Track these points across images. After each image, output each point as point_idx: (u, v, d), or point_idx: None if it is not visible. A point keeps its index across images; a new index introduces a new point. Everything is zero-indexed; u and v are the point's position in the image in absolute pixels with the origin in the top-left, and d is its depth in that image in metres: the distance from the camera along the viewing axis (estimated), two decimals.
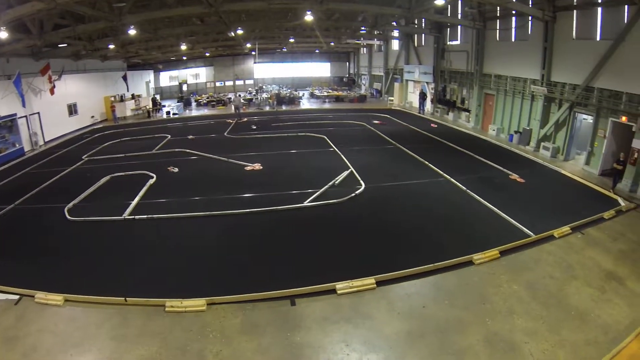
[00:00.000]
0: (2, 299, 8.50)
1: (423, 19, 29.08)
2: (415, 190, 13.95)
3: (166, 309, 7.83)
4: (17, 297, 8.53)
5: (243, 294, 8.11)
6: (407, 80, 36.32)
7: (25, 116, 23.15)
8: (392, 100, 37.63)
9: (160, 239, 10.86)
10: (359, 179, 14.75)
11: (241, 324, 7.42)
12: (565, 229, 11.00)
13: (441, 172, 15.49)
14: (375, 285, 8.39)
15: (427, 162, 16.76)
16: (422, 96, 32.00)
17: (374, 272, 8.64)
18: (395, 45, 39.10)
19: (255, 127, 26.08)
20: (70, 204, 13.24)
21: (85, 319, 7.80)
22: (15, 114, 21.93)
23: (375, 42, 41.29)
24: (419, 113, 31.73)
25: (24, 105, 22.60)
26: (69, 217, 12.36)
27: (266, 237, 10.85)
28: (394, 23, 30.32)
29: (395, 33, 35.92)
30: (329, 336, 7.03)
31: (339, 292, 8.21)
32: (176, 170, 16.57)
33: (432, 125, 26.04)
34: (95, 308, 8.06)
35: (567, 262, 9.51)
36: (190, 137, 23.76)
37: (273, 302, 7.98)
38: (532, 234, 10.59)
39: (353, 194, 13.30)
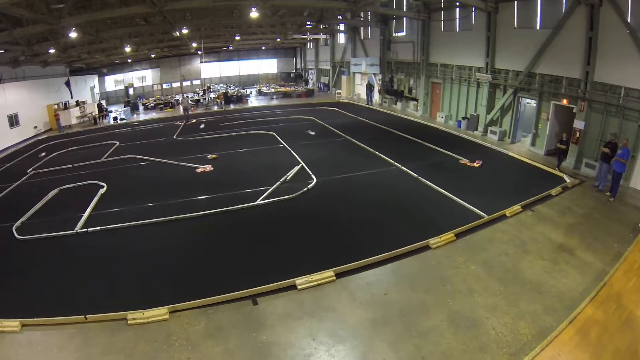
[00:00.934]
0: None
1: (369, 12, 29.43)
2: (367, 180, 14.14)
3: (128, 322, 7.54)
4: None
5: (204, 298, 7.94)
6: (354, 73, 36.78)
7: None
8: (340, 93, 37.96)
9: (116, 250, 10.40)
10: (310, 173, 14.79)
11: (205, 329, 7.29)
12: (516, 207, 11.51)
13: (392, 161, 15.77)
14: (334, 278, 8.45)
15: (377, 152, 17.03)
16: (370, 87, 32.47)
17: (333, 265, 8.70)
18: (341, 38, 39.43)
19: (203, 127, 25.68)
20: (19, 222, 12.36)
21: (45, 342, 7.30)
22: None
23: (322, 37, 41.44)
24: (367, 104, 32.16)
25: None
26: (17, 236, 11.51)
27: (222, 238, 10.68)
28: (340, 17, 30.51)
29: (342, 27, 36.20)
30: (294, 332, 7.03)
31: (299, 287, 8.21)
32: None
33: (374, 113, 26.40)
34: (56, 330, 7.58)
35: (519, 238, 9.96)
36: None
37: (235, 304, 7.88)
38: (485, 215, 11.02)
39: (305, 189, 13.32)
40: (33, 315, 7.83)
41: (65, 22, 17.26)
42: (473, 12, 20.93)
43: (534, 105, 17.96)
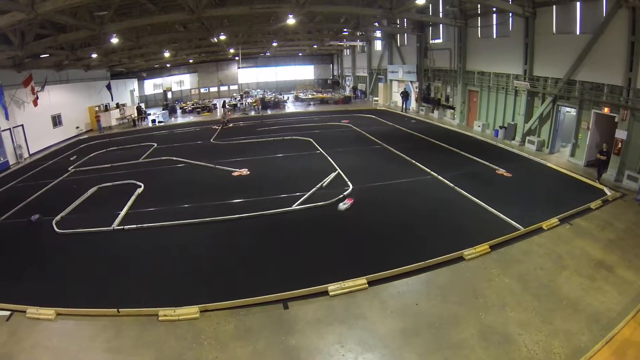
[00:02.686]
0: None
1: (405, 19, 29.26)
2: (402, 188, 14.02)
3: (159, 318, 7.76)
4: (8, 313, 8.36)
5: (236, 300, 8.07)
6: (391, 80, 36.51)
7: (9, 129, 22.81)
8: (376, 100, 37.79)
9: (151, 247, 10.75)
10: (347, 180, 14.78)
11: (235, 330, 7.38)
12: (554, 220, 11.14)
13: (428, 170, 15.58)
14: (367, 285, 8.40)
15: (413, 161, 16.86)
16: (405, 95, 32.21)
17: (365, 272, 8.66)
18: (378, 45, 39.30)
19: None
20: (58, 217, 13.03)
21: (78, 332, 7.70)
22: None
23: (358, 43, 41.43)
24: (403, 112, 31.92)
25: (7, 118, 22.39)
26: (57, 229, 12.14)
27: (257, 242, 10.81)
28: (376, 24, 30.44)
29: (378, 34, 36.09)
30: (323, 338, 7.02)
31: (331, 293, 8.20)
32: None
33: (411, 121, 26.20)
34: (88, 321, 7.96)
35: (556, 253, 9.63)
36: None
37: (266, 307, 7.95)
38: (521, 227, 10.71)
39: (341, 196, 13.31)
40: (68, 305, 8.26)
41: (107, 29, 18.13)
42: (510, 18, 20.49)
43: (574, 114, 17.34)
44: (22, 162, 23.02)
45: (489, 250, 9.75)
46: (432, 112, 29.72)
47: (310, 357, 6.61)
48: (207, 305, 7.98)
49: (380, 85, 38.39)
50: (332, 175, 15.34)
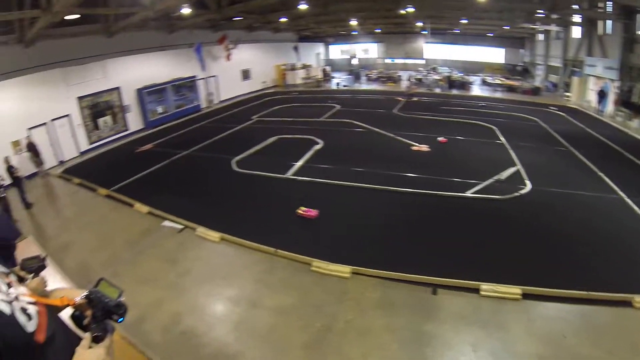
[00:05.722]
0: (170, 226, 10.42)
1: (610, 2, 24.70)
2: (583, 203, 12.06)
3: (312, 268, 8.30)
4: (181, 227, 10.30)
5: (389, 271, 8.09)
6: (587, 75, 31.59)
7: (204, 78, 28.22)
8: (568, 96, 33.29)
9: (318, 202, 11.40)
10: (525, 178, 13.45)
11: (379, 300, 7.46)
12: None
13: (615, 188, 13.06)
14: (520, 297, 7.57)
15: (600, 174, 14.38)
16: (602, 95, 27.53)
17: (522, 282, 7.78)
18: (576, 32, 34.19)
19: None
20: (238, 157, 15.21)
21: (236, 258, 8.90)
22: (195, 76, 26.93)
23: (553, 28, 36.72)
24: (597, 114, 27.44)
25: (203, 69, 27.55)
26: (235, 168, 14.24)
27: (422, 220, 10.62)
28: (575, 6, 26.43)
29: (576, 18, 31.35)
30: (459, 335, 6.65)
31: (482, 293, 7.64)
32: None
33: (605, 126, 22.21)
34: (246, 251, 9.10)
35: None
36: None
37: (415, 286, 7.82)
38: None
39: (517, 194, 12.18)
40: (232, 233, 9.64)
41: None
42: None
43: None
44: (211, 107, 28.14)
45: None
46: (631, 120, 24.79)
47: (440, 348, 6.36)
48: (359, 268, 8.19)
49: (575, 79, 33.56)
50: (512, 170, 14.16)
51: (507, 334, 6.73)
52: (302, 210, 10.52)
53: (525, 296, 7.59)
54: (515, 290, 7.65)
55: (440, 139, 17.28)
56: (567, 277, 8.15)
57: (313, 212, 10.44)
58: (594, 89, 29.71)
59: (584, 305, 7.51)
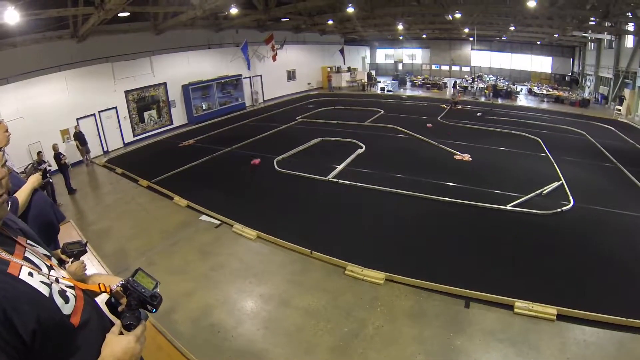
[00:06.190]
0: (207, 221, 10.67)
1: None
2: (628, 223, 11.42)
3: (346, 271, 8.26)
4: (218, 222, 10.50)
5: (423, 280, 7.94)
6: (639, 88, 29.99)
7: (249, 77, 28.92)
8: (619, 109, 31.69)
9: (357, 206, 11.46)
10: (569, 194, 12.94)
11: (410, 308, 7.33)
12: None
13: None
14: (555, 318, 7.25)
15: None
16: None
17: (557, 302, 7.45)
18: (629, 41, 32.48)
19: (480, 115, 25.33)
20: (280, 157, 15.39)
21: (270, 256, 8.98)
22: (241, 75, 27.57)
23: (606, 37, 35.03)
24: None
25: (249, 68, 28.12)
26: (276, 167, 14.40)
27: (459, 230, 10.36)
28: (629, 14, 25.13)
29: (631, 26, 29.77)
30: (489, 352, 6.42)
31: (516, 310, 7.37)
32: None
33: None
34: (282, 250, 9.17)
35: None
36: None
37: (448, 298, 7.65)
38: None
39: (559, 210, 11.73)
40: (268, 232, 9.75)
41: None
42: None
43: None
44: (256, 106, 28.80)
45: None
46: None
47: None
48: (394, 275, 8.08)
49: (627, 91, 31.93)
50: (555, 184, 13.62)
51: (538, 355, 6.47)
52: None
53: (560, 317, 7.29)
54: (551, 310, 7.36)
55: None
56: (606, 301, 7.78)
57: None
58: None
59: (622, 332, 7.16)
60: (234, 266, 8.58)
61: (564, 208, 11.75)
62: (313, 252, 8.84)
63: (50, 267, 1.73)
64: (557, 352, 6.58)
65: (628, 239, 10.48)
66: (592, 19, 27.64)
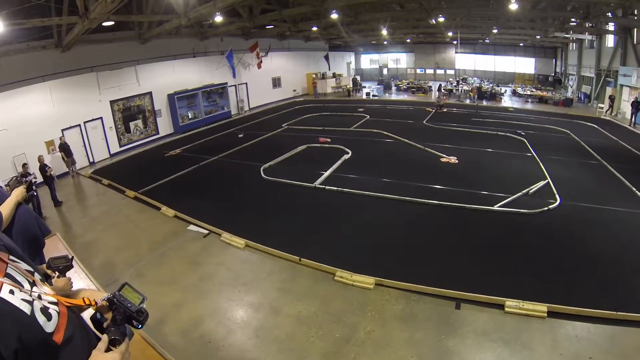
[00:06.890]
0: (195, 231, 10.63)
1: None
2: (614, 219, 11.63)
3: (335, 277, 8.28)
4: (206, 232, 10.48)
5: (412, 284, 7.98)
6: (621, 85, 30.66)
7: (235, 85, 28.85)
8: (601, 107, 32.33)
9: (345, 212, 11.50)
10: (555, 192, 13.11)
11: (401, 312, 7.38)
12: None
13: None
14: (545, 315, 7.34)
15: (635, 189, 13.87)
16: (637, 106, 26.62)
17: (548, 299, 7.54)
18: (609, 41, 33.25)
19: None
20: (266, 165, 15.39)
21: (259, 265, 8.97)
22: (226, 83, 27.56)
23: (587, 37, 35.80)
24: (631, 126, 26.45)
25: (234, 76, 28.16)
26: (263, 175, 14.41)
27: (448, 232, 10.47)
28: (609, 14, 25.76)
29: (611, 26, 30.54)
30: (481, 352, 6.48)
31: (506, 309, 7.45)
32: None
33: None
34: (270, 259, 9.17)
35: None
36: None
37: (439, 300, 7.70)
38: None
39: (546, 208, 11.89)
40: (257, 240, 9.72)
41: (328, 5, 20.41)
42: None
43: None
44: (242, 114, 28.73)
45: None
46: None
47: None
48: (383, 280, 8.12)
49: (609, 89, 32.63)
50: (541, 183, 13.82)
51: (531, 353, 6.53)
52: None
53: (551, 314, 7.38)
54: (541, 307, 7.45)
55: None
56: (596, 295, 7.91)
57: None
58: (627, 101, 28.81)
59: (613, 325, 7.24)
60: (223, 275, 8.57)
61: (550, 206, 11.90)
62: (302, 259, 8.85)
63: (32, 284, 1.72)
64: (550, 349, 6.66)
65: (614, 234, 10.65)
66: (573, 20, 28.24)
